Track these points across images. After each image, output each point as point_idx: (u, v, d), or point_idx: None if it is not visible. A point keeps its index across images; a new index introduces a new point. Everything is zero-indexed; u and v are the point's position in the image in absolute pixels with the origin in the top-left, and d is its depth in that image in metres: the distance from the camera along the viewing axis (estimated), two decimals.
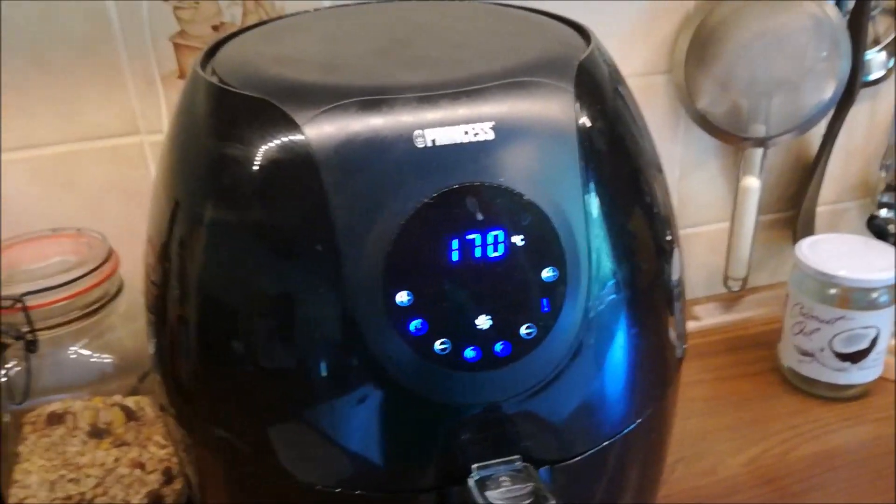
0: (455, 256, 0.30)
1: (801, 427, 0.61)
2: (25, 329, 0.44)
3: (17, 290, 0.44)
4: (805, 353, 0.63)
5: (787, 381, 0.66)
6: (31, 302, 0.44)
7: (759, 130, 0.67)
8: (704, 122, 0.67)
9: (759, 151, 0.68)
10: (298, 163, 0.30)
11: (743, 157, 0.69)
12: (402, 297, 0.30)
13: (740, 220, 0.71)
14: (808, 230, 0.74)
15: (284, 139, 0.30)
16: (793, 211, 0.76)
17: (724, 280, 0.75)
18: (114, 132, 0.57)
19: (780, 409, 0.63)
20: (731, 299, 0.76)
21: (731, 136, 0.68)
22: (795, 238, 0.74)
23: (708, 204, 0.74)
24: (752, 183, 0.69)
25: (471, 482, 0.32)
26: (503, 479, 0.32)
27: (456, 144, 0.30)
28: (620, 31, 0.64)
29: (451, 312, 0.30)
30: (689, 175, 0.72)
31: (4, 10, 0.51)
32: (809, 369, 0.63)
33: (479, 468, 0.32)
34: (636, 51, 0.66)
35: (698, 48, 0.64)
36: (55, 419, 0.48)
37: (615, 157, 0.34)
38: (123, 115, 0.56)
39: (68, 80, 0.54)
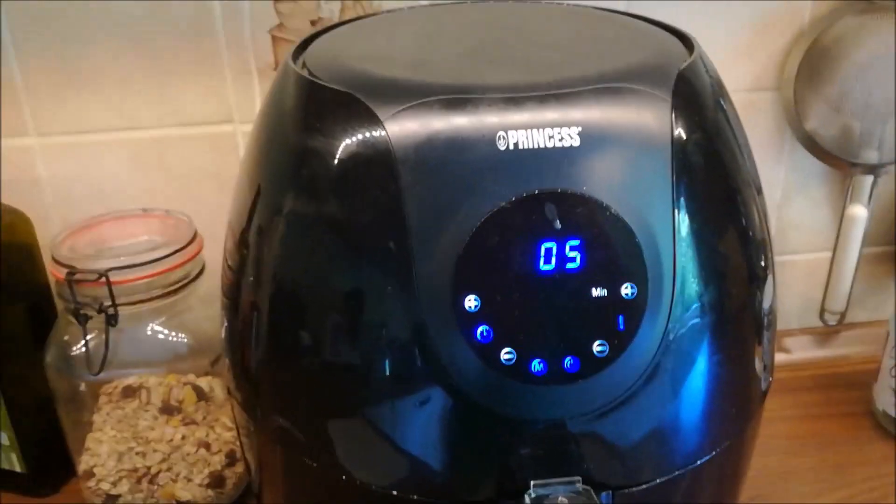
0: (528, 264, 0.29)
1: (891, 477, 0.57)
2: (107, 303, 0.46)
3: (104, 265, 0.46)
4: None
5: (879, 425, 0.61)
6: (115, 277, 0.45)
7: (872, 157, 0.63)
8: (812, 145, 0.63)
9: (869, 179, 0.64)
10: (377, 158, 0.30)
11: (851, 183, 0.65)
12: (470, 303, 0.29)
13: (843, 250, 0.67)
14: None
15: (365, 134, 0.30)
16: None
17: (820, 313, 0.71)
18: (209, 120, 0.59)
19: (870, 454, 0.59)
20: (826, 334, 0.72)
21: (839, 160, 0.64)
22: None
23: (809, 231, 0.70)
24: (860, 212, 0.65)
25: (527, 499, 0.31)
26: (561, 499, 0.31)
27: (539, 149, 0.29)
28: (728, 42, 0.61)
29: (519, 321, 0.29)
30: (791, 199, 0.68)
31: (122, 3, 0.54)
32: None
33: (537, 486, 0.31)
34: (743, 64, 0.63)
35: (811, 65, 0.61)
36: (130, 392, 0.50)
37: (711, 173, 0.32)
38: (219, 103, 0.58)
39: (170, 68, 0.57)
